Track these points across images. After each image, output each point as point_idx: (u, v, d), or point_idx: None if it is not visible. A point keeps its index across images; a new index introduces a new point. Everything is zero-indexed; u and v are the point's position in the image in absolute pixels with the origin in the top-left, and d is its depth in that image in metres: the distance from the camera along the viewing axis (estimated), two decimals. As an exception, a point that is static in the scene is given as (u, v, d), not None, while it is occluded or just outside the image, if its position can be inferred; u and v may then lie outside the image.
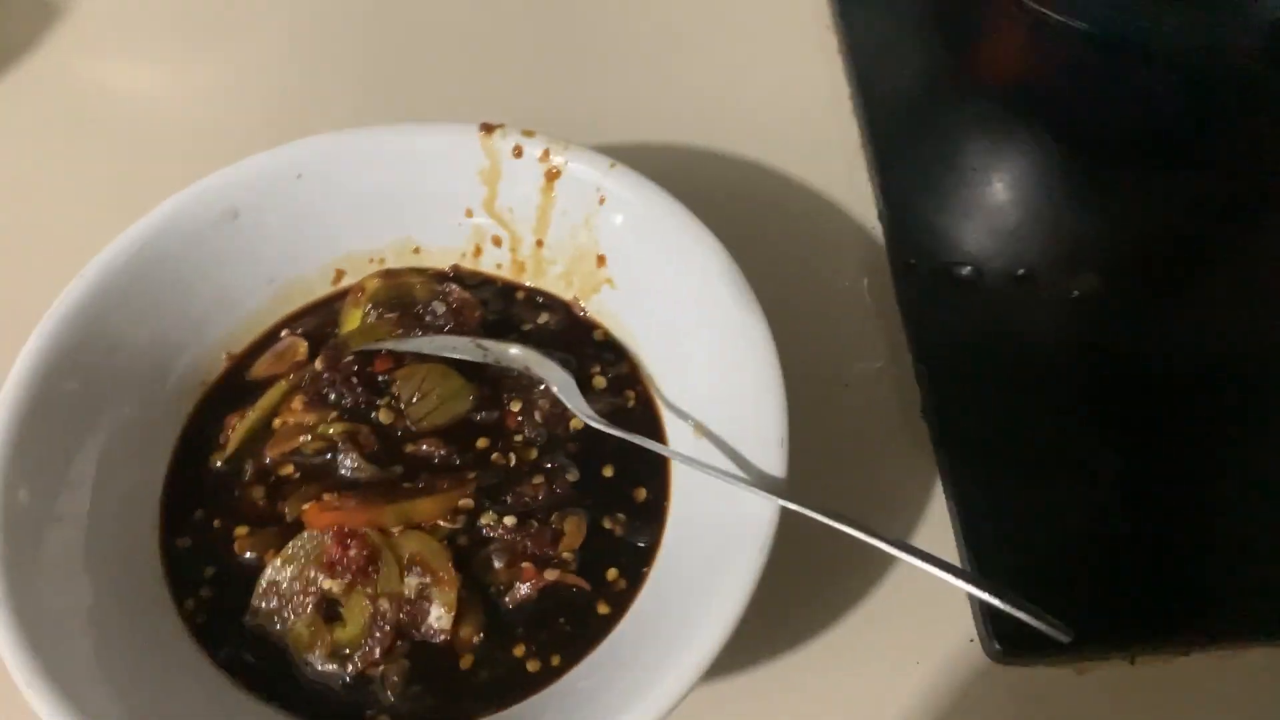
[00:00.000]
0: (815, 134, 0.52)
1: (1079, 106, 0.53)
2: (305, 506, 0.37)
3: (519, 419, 0.40)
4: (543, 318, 0.44)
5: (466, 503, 0.38)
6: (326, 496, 0.37)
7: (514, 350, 0.41)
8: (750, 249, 0.40)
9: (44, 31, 0.58)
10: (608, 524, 0.38)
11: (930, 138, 0.51)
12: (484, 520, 0.38)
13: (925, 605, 0.39)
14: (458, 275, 0.45)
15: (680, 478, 0.39)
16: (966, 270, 0.46)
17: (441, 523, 0.37)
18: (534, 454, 0.39)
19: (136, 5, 0.60)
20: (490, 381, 0.41)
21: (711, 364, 0.39)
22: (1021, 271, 0.46)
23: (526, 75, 0.56)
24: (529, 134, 0.42)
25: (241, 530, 0.38)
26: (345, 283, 0.44)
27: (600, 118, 0.53)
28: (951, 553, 0.40)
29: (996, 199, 0.49)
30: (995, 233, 0.48)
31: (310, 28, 0.58)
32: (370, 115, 0.44)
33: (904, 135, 0.51)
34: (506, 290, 0.44)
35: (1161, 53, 0.52)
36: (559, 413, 0.40)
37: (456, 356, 0.41)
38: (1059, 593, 0.38)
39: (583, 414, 0.39)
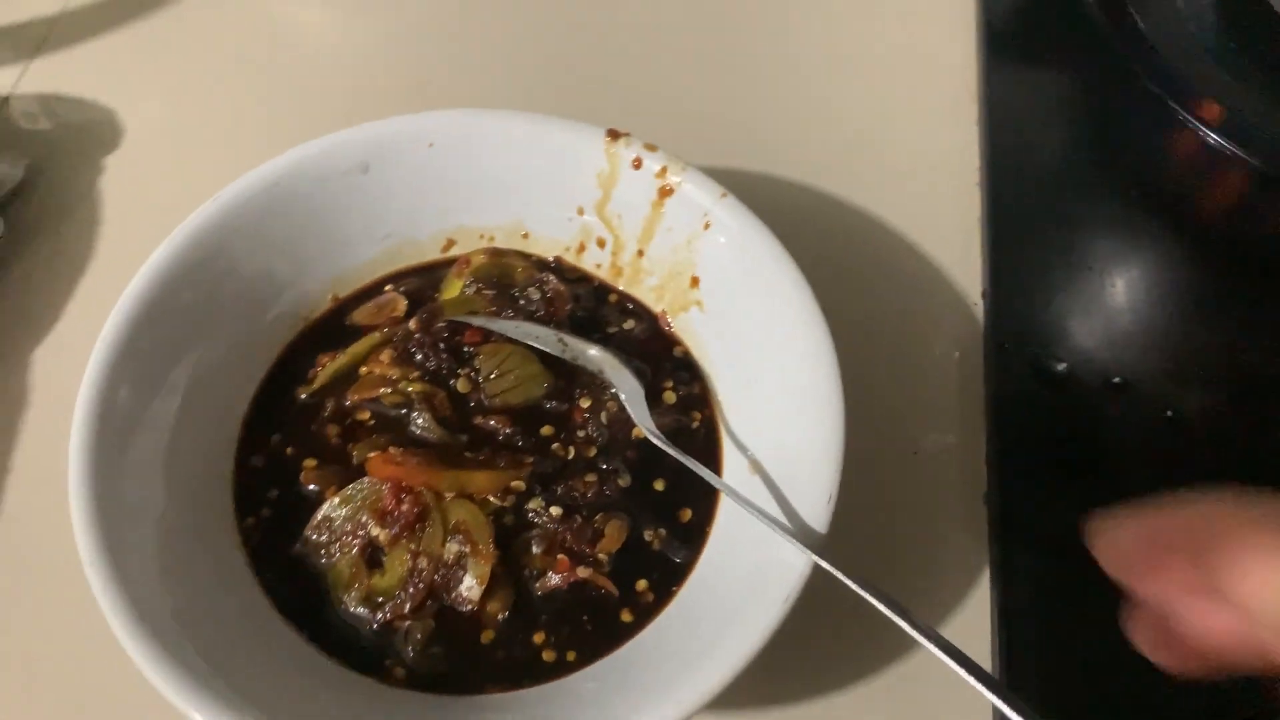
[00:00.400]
0: (935, 199, 0.51)
1: (1215, 226, 0.51)
2: (371, 455, 0.39)
3: (586, 415, 0.41)
4: (629, 324, 0.44)
5: (519, 484, 0.39)
6: (393, 450, 0.39)
7: (593, 351, 0.42)
8: (846, 297, 0.40)
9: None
10: (648, 535, 0.39)
11: (1051, 226, 0.49)
12: (532, 505, 0.39)
13: (945, 685, 0.38)
14: (558, 267, 0.46)
15: (727, 506, 0.39)
16: (1061, 366, 0.45)
17: (492, 498, 0.39)
18: (593, 452, 0.40)
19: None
20: (566, 374, 0.42)
21: (779, 407, 0.39)
22: (1118, 380, 0.45)
23: (665, 89, 0.56)
24: (651, 148, 0.42)
25: (310, 462, 0.40)
26: (453, 252, 0.46)
27: (728, 141, 0.53)
28: (984, 647, 0.39)
29: (1108, 302, 0.47)
30: (1098, 335, 0.46)
31: (481, 6, 0.60)
32: (509, 99, 0.46)
33: (1025, 218, 0.49)
34: (601, 291, 0.45)
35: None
36: (625, 418, 0.41)
37: (538, 346, 0.42)
38: (1089, 716, 0.37)
39: (644, 426, 0.40)
